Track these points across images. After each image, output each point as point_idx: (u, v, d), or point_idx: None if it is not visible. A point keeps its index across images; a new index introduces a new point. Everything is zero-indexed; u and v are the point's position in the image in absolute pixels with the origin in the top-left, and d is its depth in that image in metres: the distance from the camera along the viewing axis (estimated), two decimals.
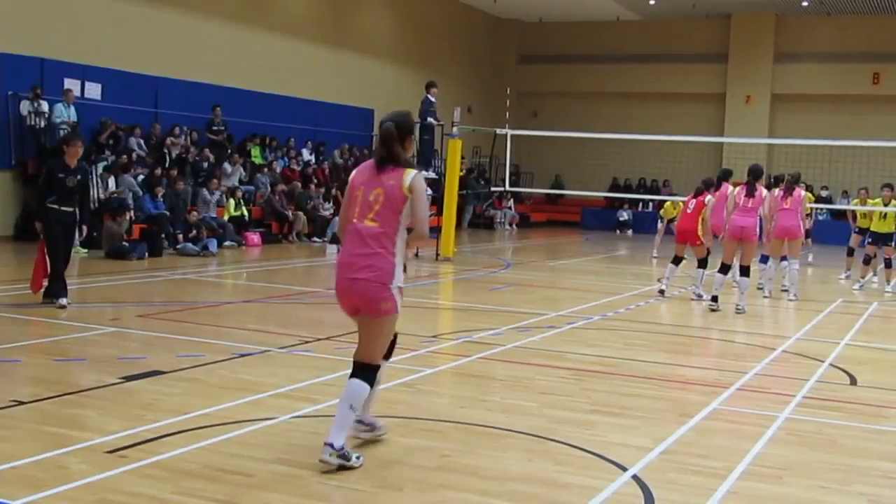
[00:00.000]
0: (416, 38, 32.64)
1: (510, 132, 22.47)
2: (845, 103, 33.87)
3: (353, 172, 5.95)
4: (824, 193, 32.55)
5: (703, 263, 14.81)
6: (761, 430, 6.84)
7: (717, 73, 35.98)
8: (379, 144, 5.84)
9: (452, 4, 34.54)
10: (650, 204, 34.13)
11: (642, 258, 23.06)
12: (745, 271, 13.79)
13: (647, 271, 19.70)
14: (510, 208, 34.01)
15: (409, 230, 5.77)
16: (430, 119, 20.27)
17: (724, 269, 13.86)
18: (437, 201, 20.16)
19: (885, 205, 17.57)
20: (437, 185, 21.68)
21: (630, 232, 34.03)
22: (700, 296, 14.67)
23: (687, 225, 14.86)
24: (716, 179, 15.58)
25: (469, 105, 33.37)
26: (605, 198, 35.24)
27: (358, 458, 5.68)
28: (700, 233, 14.66)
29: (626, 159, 35.91)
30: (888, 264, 17.38)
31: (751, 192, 13.76)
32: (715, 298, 13.61)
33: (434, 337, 10.44)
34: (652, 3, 33.58)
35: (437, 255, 19.75)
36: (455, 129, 20.56)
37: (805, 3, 32.92)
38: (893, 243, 17.46)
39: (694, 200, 14.91)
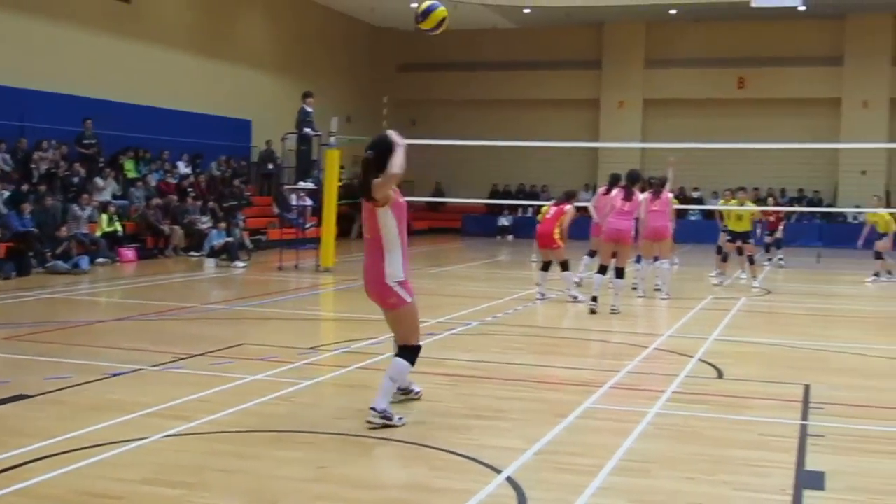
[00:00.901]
0: (294, 47, 32.45)
1: None
2: (712, 107, 34.92)
3: None
4: (696, 195, 33.52)
5: (565, 266, 15.16)
6: (632, 426, 7.00)
7: (592, 80, 36.70)
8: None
9: (330, 14, 34.42)
10: (529, 209, 34.57)
11: (522, 263, 23.34)
12: (620, 273, 14.08)
13: (526, 275, 19.93)
14: None
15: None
16: (307, 129, 20.21)
17: (602, 270, 14.09)
18: (316, 212, 20.06)
19: (741, 205, 18.31)
20: (315, 196, 21.58)
21: (511, 237, 34.40)
22: (576, 297, 14.93)
23: (543, 229, 15.25)
24: (608, 184, 15.97)
25: (348, 115, 33.28)
26: (486, 204, 35.58)
27: (400, 419, 6.87)
28: (557, 237, 14.99)
29: (505, 166, 36.40)
30: (750, 261, 18.00)
31: (628, 196, 14.08)
32: (594, 299, 13.85)
33: (313, 349, 10.38)
34: (527, 11, 34.02)
35: (318, 266, 19.64)
36: (333, 139, 20.48)
37: (673, 12, 33.81)
38: (752, 241, 18.38)
39: (554, 208, 15.32)
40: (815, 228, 31.94)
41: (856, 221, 32.24)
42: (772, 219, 23.07)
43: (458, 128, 35.02)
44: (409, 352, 7.14)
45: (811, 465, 6.18)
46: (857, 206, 30.54)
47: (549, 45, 37.04)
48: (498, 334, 11.60)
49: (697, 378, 9.07)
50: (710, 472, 5.98)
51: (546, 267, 15.38)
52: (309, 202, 23.30)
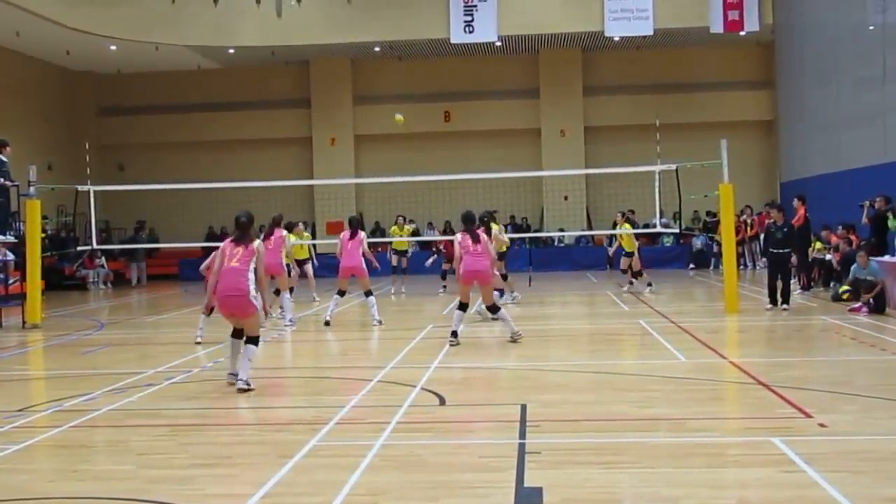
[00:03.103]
0: None
1: (92, 188, 21.60)
2: (421, 140, 35.98)
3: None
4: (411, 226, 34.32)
5: (278, 292, 15.87)
6: (358, 460, 7.08)
7: (302, 117, 36.88)
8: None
9: (20, 59, 32.67)
10: None
11: None
12: (493, 310, 14.37)
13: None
14: (103, 266, 32.67)
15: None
16: (2, 181, 19.06)
17: (463, 307, 14.21)
18: (18, 266, 18.98)
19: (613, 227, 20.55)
20: (17, 249, 20.42)
21: None
22: (292, 321, 15.52)
23: (271, 259, 15.79)
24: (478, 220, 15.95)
25: (49, 162, 31.77)
26: (203, 248, 34.83)
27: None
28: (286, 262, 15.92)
29: (222, 207, 35.76)
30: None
31: (475, 239, 14.23)
32: (454, 334, 14.05)
33: (21, 410, 9.79)
34: (231, 51, 33.81)
35: (24, 322, 18.58)
36: (32, 188, 19.47)
37: (377, 49, 34.62)
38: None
39: (272, 237, 16.13)
40: (525, 253, 33.46)
41: (562, 245, 34.15)
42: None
43: (168, 171, 34.21)
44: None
45: (530, 481, 6.47)
46: (562, 230, 32.35)
47: (258, 85, 36.94)
48: (219, 380, 11.39)
49: (421, 406, 9.28)
50: (434, 499, 6.14)
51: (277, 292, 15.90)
52: (11, 257, 22.03)
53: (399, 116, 19.75)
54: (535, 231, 34.55)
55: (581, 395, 9.80)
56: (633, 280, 23.00)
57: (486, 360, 12.52)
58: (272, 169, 33.89)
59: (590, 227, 33.99)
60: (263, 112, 36.74)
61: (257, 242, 10.90)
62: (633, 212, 28.63)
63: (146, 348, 15.02)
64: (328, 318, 17.08)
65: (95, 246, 22.22)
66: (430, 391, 10.05)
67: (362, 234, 17.15)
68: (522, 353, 13.07)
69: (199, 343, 14.85)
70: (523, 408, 8.94)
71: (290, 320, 17.01)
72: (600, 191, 34.61)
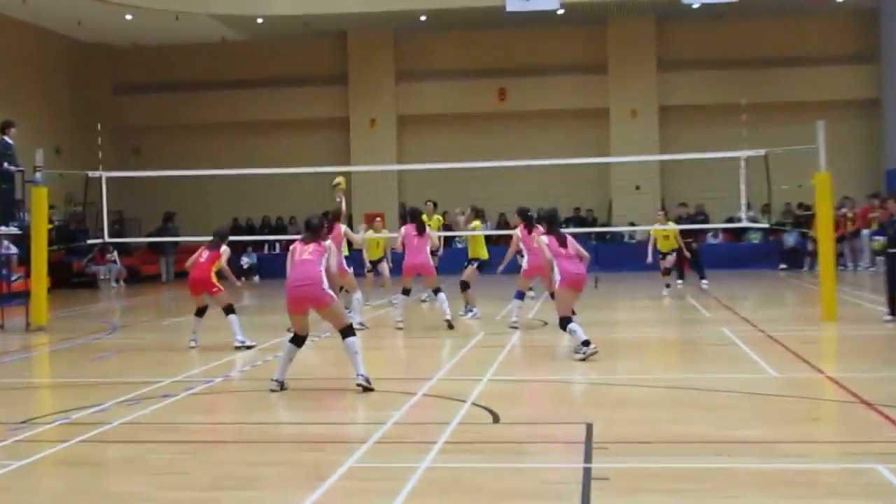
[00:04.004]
0: None
1: (105, 174, 21.79)
2: (472, 122, 35.97)
3: None
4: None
5: (229, 310, 15.58)
6: (400, 484, 7.06)
7: (338, 97, 37.03)
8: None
9: (26, 29, 33.13)
10: (277, 245, 34.47)
11: (272, 307, 23.12)
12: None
13: (277, 321, 19.77)
14: (115, 262, 33.04)
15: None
16: (7, 165, 19.21)
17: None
18: (23, 261, 19.23)
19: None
20: (21, 243, 20.71)
21: (257, 278, 34.10)
22: (243, 342, 15.28)
23: (199, 274, 15.55)
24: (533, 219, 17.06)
25: (57, 146, 32.15)
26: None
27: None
28: (215, 280, 15.53)
29: (246, 197, 36.08)
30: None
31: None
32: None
33: (25, 423, 9.90)
34: (259, 21, 33.99)
35: (28, 324, 18.83)
36: (39, 174, 19.65)
37: (423, 19, 34.62)
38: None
39: (207, 251, 15.67)
40: (591, 251, 33.19)
41: (633, 241, 33.94)
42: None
43: (189, 156, 34.44)
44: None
45: None
46: (633, 224, 32.16)
47: (289, 60, 37.17)
48: (245, 391, 11.46)
49: (472, 424, 9.25)
50: None
51: (201, 312, 15.81)
52: (14, 250, 22.35)
53: (340, 179, 18.90)
54: (603, 225, 34.41)
55: (655, 413, 9.72)
56: (673, 283, 23.78)
57: (547, 372, 12.47)
58: (304, 154, 34.06)
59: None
60: (295, 91, 36.96)
61: (328, 241, 11.59)
62: (685, 204, 28.26)
63: (163, 354, 15.13)
64: (400, 321, 17.44)
65: (107, 239, 22.16)
66: (482, 407, 10.02)
67: (430, 230, 18.04)
68: (587, 364, 13.00)
69: (193, 348, 15.27)
70: (589, 427, 8.88)
71: (360, 323, 17.13)
72: (677, 180, 34.45)
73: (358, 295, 17.67)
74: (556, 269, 13.64)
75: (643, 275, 27.60)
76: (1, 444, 8.77)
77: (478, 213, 22.27)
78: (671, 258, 23.49)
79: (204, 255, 15.63)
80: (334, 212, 17.40)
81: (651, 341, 16.19)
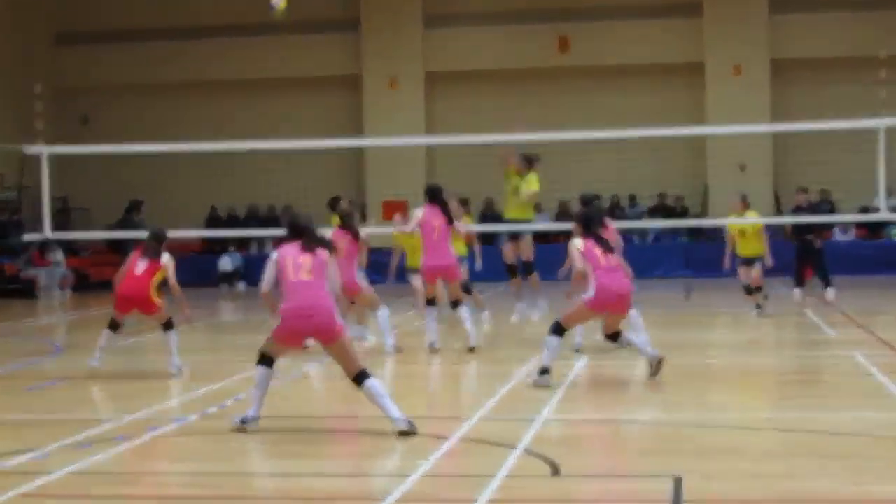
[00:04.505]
0: None
1: (46, 150, 21.89)
2: (524, 79, 35.95)
3: None
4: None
5: (168, 325, 15.85)
6: None
7: (347, 48, 37.13)
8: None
9: None
10: (268, 243, 34.50)
11: (259, 322, 23.14)
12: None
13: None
14: (59, 264, 33.20)
15: None
16: None
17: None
18: None
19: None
20: None
21: (242, 285, 34.16)
22: (180, 368, 15.59)
23: (134, 291, 15.71)
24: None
25: None
26: (203, 238, 35.12)
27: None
28: (155, 298, 15.67)
29: (228, 179, 36.08)
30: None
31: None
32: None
33: None
34: None
35: None
36: None
37: None
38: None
39: (145, 261, 15.75)
40: (680, 251, 32.98)
41: None
42: None
43: (152, 126, 34.62)
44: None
45: None
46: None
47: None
48: (226, 432, 11.52)
49: (524, 478, 9.25)
50: None
51: (117, 327, 16.06)
52: None
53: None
54: (696, 217, 34.16)
55: (763, 464, 9.70)
56: (760, 303, 22.18)
57: (621, 410, 12.45)
58: (303, 123, 34.18)
59: (778, 211, 33.46)
60: (290, 40, 36.96)
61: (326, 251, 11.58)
62: (804, 190, 27.95)
63: (119, 385, 15.21)
64: (435, 342, 17.51)
65: (49, 235, 22.03)
66: (537, 455, 10.00)
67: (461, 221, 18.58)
68: (671, 399, 12.97)
69: (94, 366, 15.51)
70: (677, 481, 8.87)
71: (393, 346, 17.43)
72: (794, 158, 34.22)
73: (383, 312, 17.65)
74: (591, 283, 13.58)
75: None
76: None
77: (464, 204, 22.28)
78: (756, 270, 21.76)
79: (139, 266, 15.71)
80: (342, 211, 17.90)
81: (759, 370, 16.09)
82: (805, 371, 15.77)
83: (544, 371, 13.49)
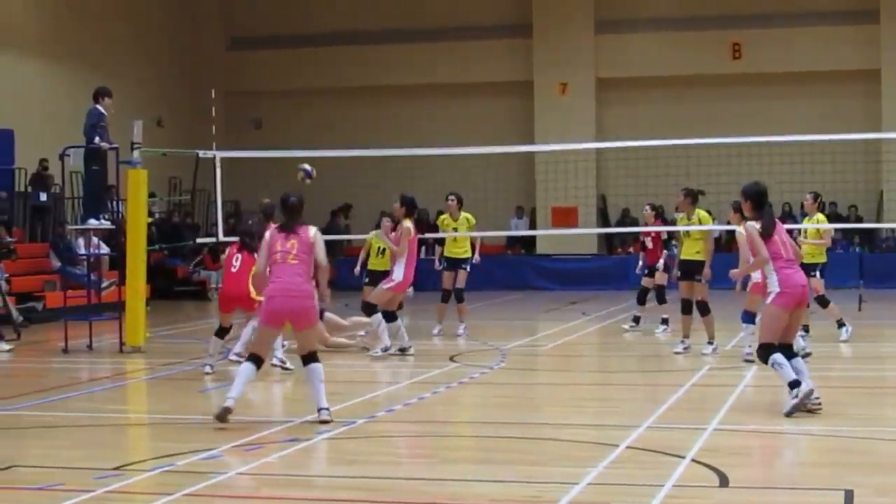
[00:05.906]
0: (72, 22, 31.91)
1: (219, 154, 22.04)
2: (695, 86, 35.63)
3: None
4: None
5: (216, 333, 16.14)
6: None
7: (518, 53, 37.11)
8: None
9: None
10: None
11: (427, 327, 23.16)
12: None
13: (443, 348, 19.96)
14: None
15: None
16: (98, 140, 19.18)
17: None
18: (116, 264, 19.68)
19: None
20: (114, 240, 21.20)
21: (410, 291, 34.21)
22: (283, 362, 15.88)
23: (234, 288, 15.99)
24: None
25: (159, 117, 32.96)
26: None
27: None
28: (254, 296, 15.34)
29: (401, 183, 36.16)
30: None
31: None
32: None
33: (118, 469, 10.23)
34: None
35: (122, 344, 19.34)
36: (136, 153, 19.87)
37: None
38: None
39: (239, 255, 15.92)
40: (854, 260, 32.31)
41: None
42: (649, 244, 21.86)
43: (323, 129, 34.95)
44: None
45: None
46: None
47: (453, 5, 37.23)
48: (392, 434, 11.61)
49: (691, 488, 9.21)
50: None
51: (223, 332, 16.27)
52: (105, 250, 22.96)
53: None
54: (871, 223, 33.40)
55: None
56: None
57: (792, 421, 12.26)
58: (473, 128, 34.20)
59: None
60: (463, 46, 37.06)
61: (313, 231, 12.18)
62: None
63: (290, 387, 15.41)
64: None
65: (222, 237, 22.17)
66: (705, 465, 9.94)
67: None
68: (843, 411, 12.77)
69: (208, 374, 15.93)
70: (848, 495, 8.75)
71: (402, 349, 18.20)
72: None
73: (377, 317, 18.17)
74: (772, 277, 12.60)
75: None
76: (90, 494, 9.03)
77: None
78: (816, 281, 18.84)
79: (235, 262, 15.98)
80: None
81: None
82: None
83: (794, 384, 12.29)
